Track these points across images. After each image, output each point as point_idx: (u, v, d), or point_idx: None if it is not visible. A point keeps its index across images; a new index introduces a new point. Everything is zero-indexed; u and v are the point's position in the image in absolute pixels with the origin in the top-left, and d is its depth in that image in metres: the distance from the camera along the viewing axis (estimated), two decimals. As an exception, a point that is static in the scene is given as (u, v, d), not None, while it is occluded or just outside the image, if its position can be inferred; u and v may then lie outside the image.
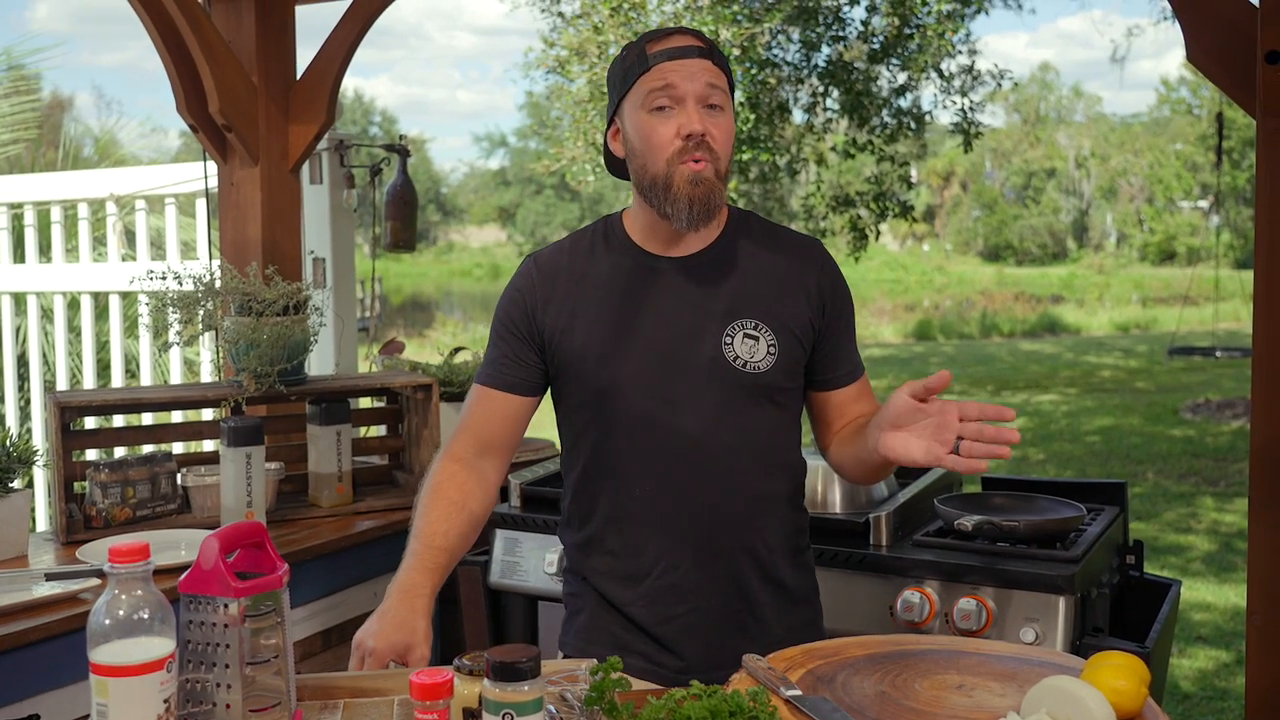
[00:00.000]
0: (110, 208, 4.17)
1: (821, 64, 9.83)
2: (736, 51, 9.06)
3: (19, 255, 4.47)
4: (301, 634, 2.54)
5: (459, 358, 3.42)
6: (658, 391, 1.77)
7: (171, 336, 2.78)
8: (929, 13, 9.45)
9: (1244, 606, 2.52)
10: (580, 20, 9.79)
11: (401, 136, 3.83)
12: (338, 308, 3.77)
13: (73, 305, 4.49)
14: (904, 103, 10.11)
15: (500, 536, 2.67)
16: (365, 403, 3.48)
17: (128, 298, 4.21)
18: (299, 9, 3.31)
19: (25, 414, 4.74)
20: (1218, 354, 13.26)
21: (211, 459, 2.75)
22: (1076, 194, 39.67)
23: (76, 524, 2.51)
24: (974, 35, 10.26)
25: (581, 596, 1.89)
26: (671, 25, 9.20)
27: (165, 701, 1.24)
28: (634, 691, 1.41)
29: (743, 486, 1.80)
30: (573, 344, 1.80)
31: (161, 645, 1.24)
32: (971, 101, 9.93)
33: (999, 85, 10.17)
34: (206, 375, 4.08)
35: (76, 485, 2.59)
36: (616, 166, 1.90)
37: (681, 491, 1.78)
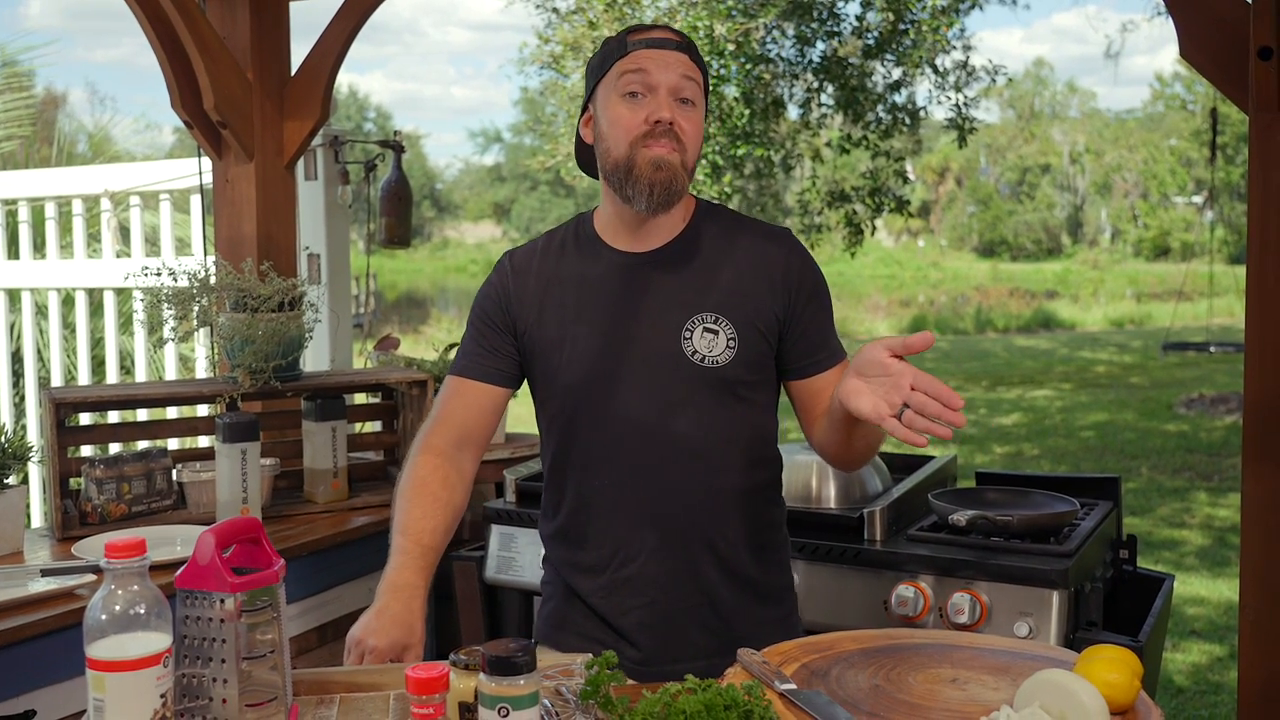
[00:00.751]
0: (105, 204, 4.16)
1: (816, 59, 9.83)
2: (731, 47, 9.06)
3: (13, 251, 4.47)
4: (298, 629, 2.55)
5: (454, 353, 3.41)
6: (619, 386, 1.79)
7: (166, 333, 2.78)
8: (924, 8, 9.46)
9: (1237, 601, 2.53)
10: (575, 16, 9.78)
11: (396, 132, 3.83)
12: (333, 304, 3.77)
13: (67, 301, 4.48)
14: (899, 98, 10.12)
15: (496, 532, 2.67)
16: (360, 399, 3.48)
17: (122, 294, 4.21)
18: (293, 5, 3.31)
19: (20, 410, 4.74)
20: (1212, 349, 13.28)
21: (207, 455, 2.76)
22: (1071, 189, 39.70)
23: (72, 520, 2.51)
24: (968, 31, 10.33)
25: (551, 584, 1.93)
26: (665, 20, 9.21)
27: (162, 696, 1.24)
28: (629, 686, 1.42)
29: (703, 481, 1.80)
30: (542, 339, 1.84)
31: (158, 640, 1.24)
32: (966, 97, 9.94)
33: (994, 81, 10.18)
34: (201, 371, 4.08)
35: (72, 481, 2.59)
36: (586, 159, 1.92)
37: (640, 485, 1.80)
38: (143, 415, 3.84)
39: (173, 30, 2.99)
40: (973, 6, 9.84)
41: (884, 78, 10.07)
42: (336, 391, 2.86)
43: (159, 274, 2.76)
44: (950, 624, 2.20)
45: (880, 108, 10.01)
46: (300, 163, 3.64)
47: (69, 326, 4.67)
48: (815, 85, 9.96)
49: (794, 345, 1.84)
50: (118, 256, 4.21)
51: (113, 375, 4.21)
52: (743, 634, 1.77)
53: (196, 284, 2.75)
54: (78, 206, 4.24)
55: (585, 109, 1.87)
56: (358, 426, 3.33)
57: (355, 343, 4.07)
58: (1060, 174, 40.05)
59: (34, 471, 4.04)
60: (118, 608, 1.23)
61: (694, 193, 1.98)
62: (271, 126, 3.23)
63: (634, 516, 1.81)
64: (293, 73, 3.27)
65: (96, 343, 4.60)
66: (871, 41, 9.76)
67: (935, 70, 9.87)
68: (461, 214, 51.88)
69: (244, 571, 1.35)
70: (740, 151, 9.34)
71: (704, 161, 9.16)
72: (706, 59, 8.95)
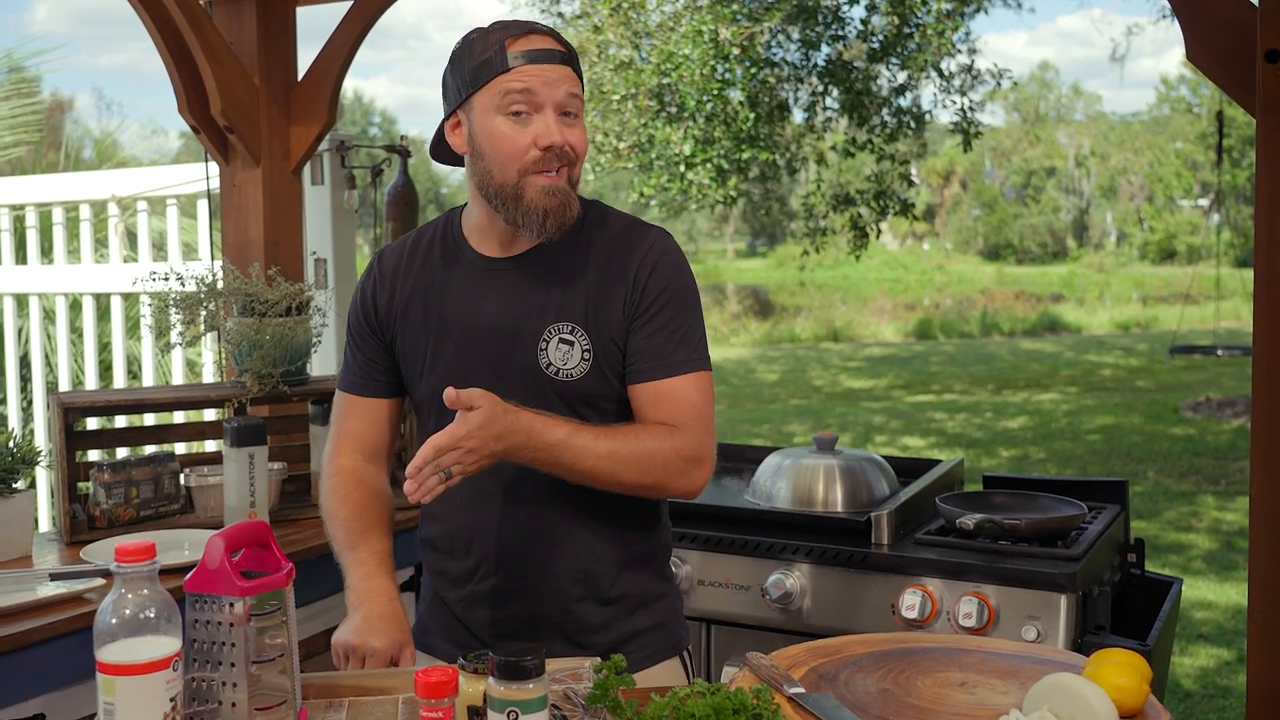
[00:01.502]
0: (112, 209, 4.17)
1: (821, 63, 9.82)
2: (736, 51, 9.06)
3: (21, 257, 4.48)
4: (306, 633, 2.55)
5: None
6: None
7: (174, 337, 2.79)
8: (928, 12, 9.45)
9: (1245, 605, 2.53)
10: (580, 20, 9.79)
11: (402, 137, 3.83)
12: (339, 308, 3.78)
13: (75, 306, 4.49)
14: (904, 102, 10.11)
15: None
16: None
17: (130, 299, 4.21)
18: (299, 10, 3.32)
19: (28, 415, 4.75)
20: (1218, 352, 13.24)
21: (214, 459, 2.76)
22: (1076, 193, 39.66)
23: (80, 524, 2.51)
24: (973, 34, 10.24)
25: (425, 587, 1.91)
26: (669, 22, 9.19)
27: (171, 700, 1.24)
28: (638, 689, 1.42)
29: (561, 497, 1.72)
30: (405, 346, 1.80)
31: (168, 644, 1.24)
32: (971, 100, 9.92)
33: (999, 84, 10.16)
34: (209, 376, 4.09)
35: (80, 486, 2.59)
36: (445, 155, 1.81)
37: (499, 499, 1.75)
38: (149, 420, 3.85)
39: (180, 36, 3.00)
40: (977, 10, 9.84)
41: (889, 81, 10.06)
42: (343, 396, 2.86)
43: (166, 279, 2.76)
44: (958, 628, 2.20)
45: (885, 111, 9.99)
46: (307, 168, 3.64)
47: (76, 331, 4.68)
48: (820, 89, 9.95)
49: (630, 348, 1.72)
50: (125, 261, 4.22)
51: (120, 380, 4.21)
52: (609, 647, 1.74)
53: (204, 289, 2.76)
54: (85, 212, 4.25)
55: (453, 113, 1.72)
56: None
57: (362, 347, 4.06)
58: (1065, 177, 40.01)
59: (41, 476, 4.05)
60: (128, 611, 1.24)
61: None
62: (278, 131, 3.24)
63: (493, 530, 1.75)
64: (299, 78, 3.28)
65: (104, 347, 4.61)
66: (876, 45, 9.75)
67: (940, 74, 9.86)
68: (467, 218, 51.82)
69: (253, 575, 1.36)
70: (745, 155, 9.34)
71: (709, 165, 9.16)
72: (711, 63, 8.95)
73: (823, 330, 19.76)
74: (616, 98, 9.22)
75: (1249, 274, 2.45)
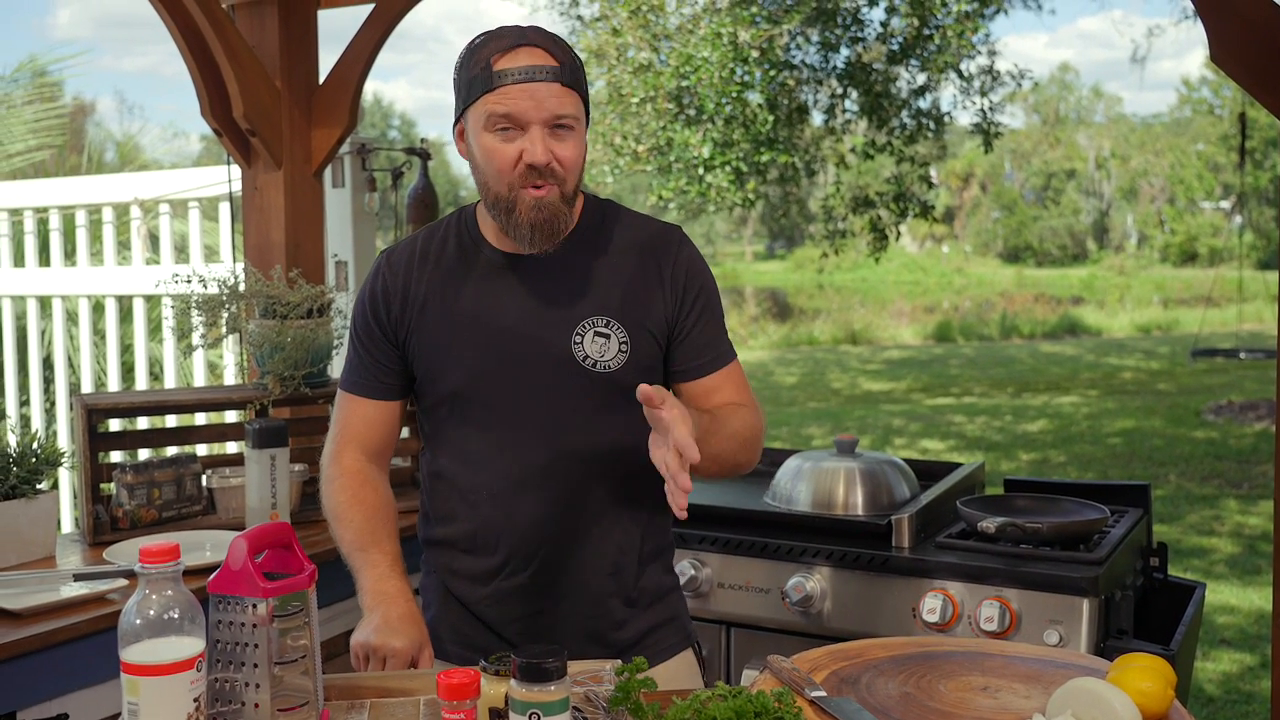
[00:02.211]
0: (134, 211, 4.20)
1: (840, 65, 9.81)
2: (755, 53, 9.06)
3: (44, 259, 4.51)
4: (329, 634, 2.55)
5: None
6: (508, 393, 1.74)
7: (196, 339, 2.80)
8: (948, 13, 9.42)
9: (1269, 610, 2.50)
10: (599, 23, 9.80)
11: (422, 140, 3.84)
12: (360, 310, 3.79)
13: (97, 308, 4.52)
14: (923, 104, 10.08)
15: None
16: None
17: (152, 301, 4.24)
18: (321, 13, 3.33)
19: (50, 416, 4.78)
20: (1241, 355, 13.14)
21: (236, 461, 2.77)
22: (1097, 195, 39.48)
23: (103, 525, 2.53)
24: (993, 36, 10.23)
25: (430, 591, 1.88)
26: (689, 24, 9.19)
27: (195, 700, 1.25)
28: (660, 692, 1.42)
29: (594, 489, 1.75)
30: (426, 342, 1.78)
31: (191, 645, 1.25)
32: (991, 102, 9.90)
33: (1018, 86, 10.13)
34: (230, 378, 4.11)
35: (103, 487, 2.61)
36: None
37: (530, 494, 1.74)
38: (171, 421, 3.87)
39: (202, 39, 3.01)
40: (997, 11, 9.81)
41: (908, 83, 10.05)
42: (364, 398, 2.87)
43: (188, 281, 2.78)
44: (979, 631, 2.19)
45: (905, 113, 9.97)
46: (328, 170, 3.66)
47: (99, 333, 4.71)
48: (839, 91, 9.94)
49: (682, 346, 1.79)
50: (147, 264, 4.25)
51: (142, 381, 4.24)
52: (631, 642, 1.77)
53: (226, 291, 2.77)
54: (108, 214, 4.28)
55: (458, 121, 1.74)
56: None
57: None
58: (1086, 179, 39.84)
59: (64, 477, 4.08)
60: (152, 612, 1.24)
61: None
62: (300, 134, 3.25)
63: (524, 525, 1.75)
64: (321, 81, 3.30)
65: (126, 349, 4.64)
66: (896, 47, 9.73)
67: (960, 75, 9.83)
68: (485, 221, 51.95)
69: (276, 577, 1.36)
70: (764, 158, 9.33)
71: (728, 168, 9.15)
72: (730, 66, 8.94)
73: (841, 333, 19.71)
74: (635, 100, 9.23)
75: (1272, 276, 2.43)
